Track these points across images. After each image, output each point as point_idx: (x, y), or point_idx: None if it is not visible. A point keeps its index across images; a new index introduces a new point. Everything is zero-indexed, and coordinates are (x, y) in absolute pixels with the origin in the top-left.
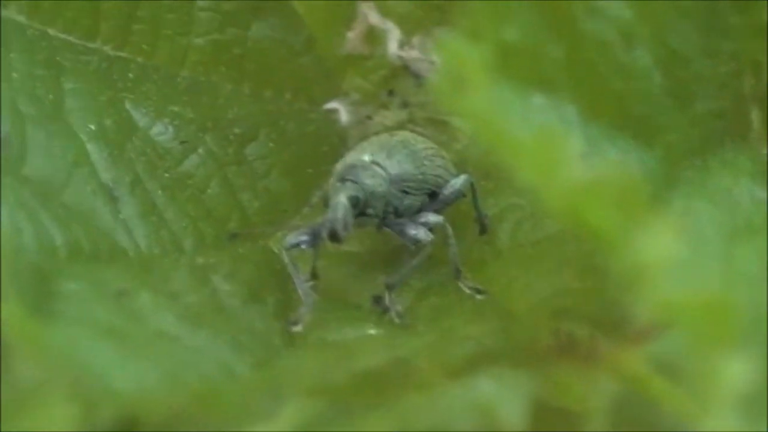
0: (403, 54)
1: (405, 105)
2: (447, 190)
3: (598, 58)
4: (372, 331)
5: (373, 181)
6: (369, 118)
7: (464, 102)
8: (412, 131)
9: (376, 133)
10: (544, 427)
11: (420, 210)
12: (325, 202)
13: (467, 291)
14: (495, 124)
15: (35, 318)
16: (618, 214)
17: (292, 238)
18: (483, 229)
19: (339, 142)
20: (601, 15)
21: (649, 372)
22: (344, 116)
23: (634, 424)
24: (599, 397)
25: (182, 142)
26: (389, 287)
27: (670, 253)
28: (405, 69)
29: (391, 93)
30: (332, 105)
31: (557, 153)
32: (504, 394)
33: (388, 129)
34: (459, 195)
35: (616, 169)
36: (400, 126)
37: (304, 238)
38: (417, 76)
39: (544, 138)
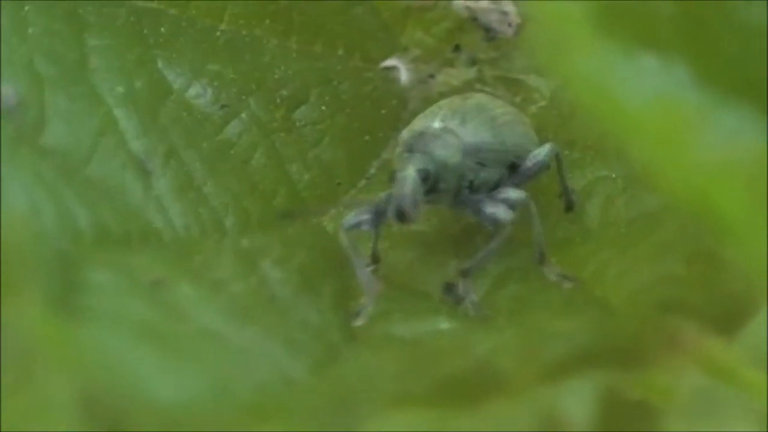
0: (471, 4)
1: (473, 62)
2: (529, 162)
3: (712, 15)
4: (444, 325)
5: (446, 152)
6: (432, 76)
7: (563, 63)
8: (482, 92)
9: (441, 94)
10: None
11: (498, 184)
12: (390, 177)
13: (553, 278)
14: (601, 88)
15: (60, 316)
16: (746, 193)
17: (352, 218)
18: (569, 206)
19: (399, 104)
20: None
21: (740, 361)
22: (404, 75)
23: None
24: (684, 389)
25: (223, 106)
26: (463, 273)
27: None
28: (473, 21)
29: (456, 48)
30: (390, 62)
31: (675, 121)
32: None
33: (454, 89)
34: (543, 167)
35: (742, 142)
36: (468, 85)
37: (367, 217)
38: (487, 29)
39: (659, 103)
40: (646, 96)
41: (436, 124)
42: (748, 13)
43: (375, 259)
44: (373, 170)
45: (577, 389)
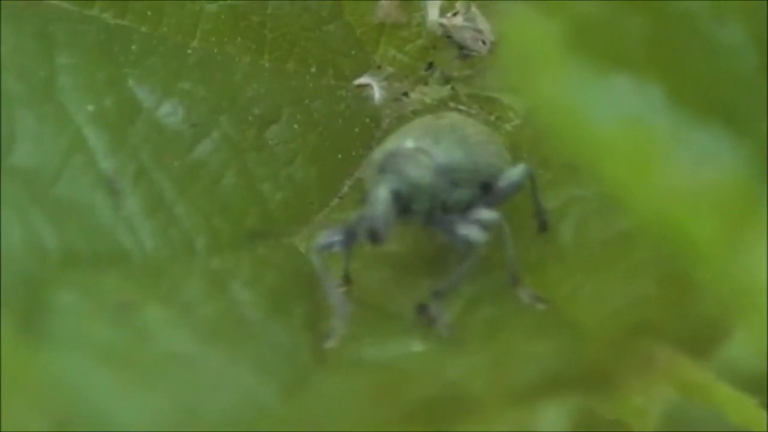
0: (445, 21)
1: (446, 80)
2: (502, 182)
3: (685, 35)
4: (416, 348)
5: (418, 172)
6: (405, 95)
7: (535, 83)
8: (456, 110)
9: (414, 112)
10: None
11: (471, 205)
12: (362, 196)
13: (526, 300)
14: (572, 110)
15: (22, 339)
16: (716, 215)
17: (323, 238)
18: (543, 227)
19: (372, 122)
20: None
21: (713, 378)
22: (377, 93)
23: None
24: (656, 407)
25: (193, 125)
26: (436, 295)
27: None
28: (447, 39)
29: (430, 66)
30: (363, 80)
31: (645, 142)
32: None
33: (428, 107)
34: (516, 187)
35: (712, 163)
36: (442, 104)
37: (338, 238)
38: (461, 47)
39: (629, 124)
40: (616, 117)
41: (409, 144)
42: (720, 33)
43: (347, 280)
44: (345, 189)
45: (551, 409)
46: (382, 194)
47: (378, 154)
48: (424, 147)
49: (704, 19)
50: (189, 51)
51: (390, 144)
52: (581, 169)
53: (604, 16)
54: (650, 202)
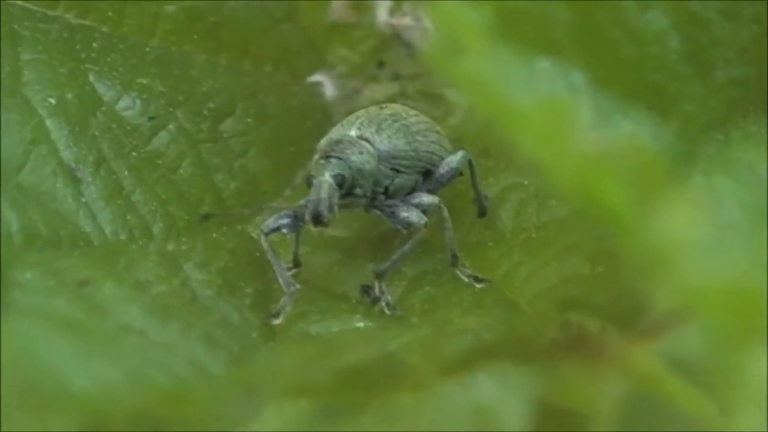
0: (394, 22)
1: (396, 77)
2: (442, 169)
3: (609, 21)
4: (360, 324)
5: (361, 158)
6: (356, 92)
7: (461, 69)
8: (404, 105)
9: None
10: (546, 429)
11: (413, 190)
12: (308, 182)
13: (465, 279)
14: (496, 92)
15: None
16: (633, 191)
17: (271, 222)
18: (482, 211)
19: (324, 118)
20: None
21: (662, 370)
22: (329, 90)
23: (643, 427)
24: (607, 397)
25: (151, 118)
26: (379, 276)
27: (691, 235)
28: (396, 38)
29: (380, 64)
30: (316, 78)
31: (564, 123)
32: (504, 394)
33: (378, 104)
34: (455, 174)
35: (629, 142)
36: (391, 100)
37: (285, 221)
38: (409, 46)
39: (549, 107)
40: (537, 98)
41: (352, 132)
42: (644, 19)
43: (296, 263)
44: (298, 180)
45: (484, 379)
46: (325, 179)
47: (323, 142)
48: (367, 135)
49: (629, 5)
50: (148, 49)
51: (335, 133)
52: (520, 157)
53: (531, 4)
54: (565, 172)
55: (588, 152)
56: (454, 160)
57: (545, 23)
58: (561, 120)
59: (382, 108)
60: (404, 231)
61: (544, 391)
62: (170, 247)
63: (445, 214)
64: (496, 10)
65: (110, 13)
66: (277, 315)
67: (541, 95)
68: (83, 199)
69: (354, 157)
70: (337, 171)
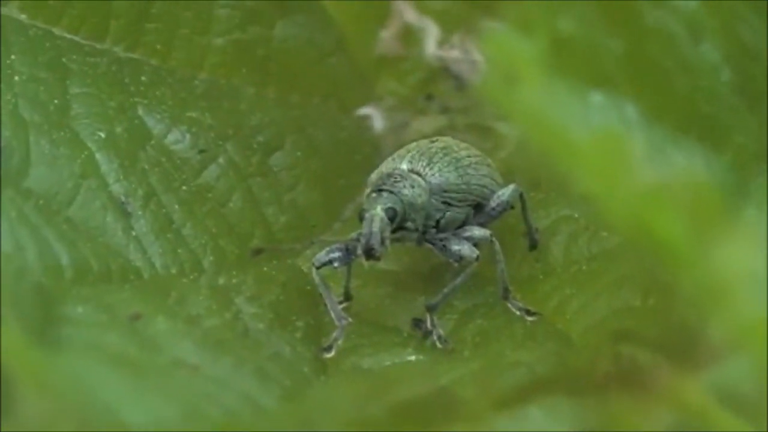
0: (443, 54)
1: (445, 110)
2: (493, 202)
3: (662, 53)
4: (412, 358)
5: (412, 192)
6: (405, 124)
7: (515, 101)
8: (453, 138)
9: (414, 140)
10: None
11: (464, 223)
12: (360, 216)
13: (517, 312)
14: (550, 124)
15: (39, 346)
16: (688, 223)
17: (322, 256)
18: (533, 244)
19: (373, 150)
20: (665, 6)
21: (712, 402)
22: (378, 123)
23: None
24: (654, 428)
25: (201, 152)
26: (430, 309)
27: (746, 268)
28: (444, 71)
29: (429, 97)
30: (365, 111)
31: (619, 156)
32: (556, 428)
33: (427, 137)
34: (507, 207)
35: (684, 174)
36: (440, 133)
37: (337, 255)
38: (458, 79)
39: (604, 139)
40: (591, 131)
41: (404, 165)
42: (697, 51)
43: (347, 296)
44: (347, 213)
45: (538, 413)
46: (377, 213)
47: (374, 175)
48: (418, 168)
49: (681, 37)
50: (197, 82)
51: (386, 166)
52: (571, 190)
53: (583, 35)
54: (620, 204)
55: (643, 185)
56: (506, 193)
57: (598, 54)
58: (615, 153)
59: (432, 141)
60: (456, 264)
61: (595, 424)
62: (221, 280)
63: (497, 247)
64: (549, 42)
65: (158, 46)
66: (328, 349)
67: (595, 128)
68: (133, 233)
69: (405, 191)
70: (389, 205)
